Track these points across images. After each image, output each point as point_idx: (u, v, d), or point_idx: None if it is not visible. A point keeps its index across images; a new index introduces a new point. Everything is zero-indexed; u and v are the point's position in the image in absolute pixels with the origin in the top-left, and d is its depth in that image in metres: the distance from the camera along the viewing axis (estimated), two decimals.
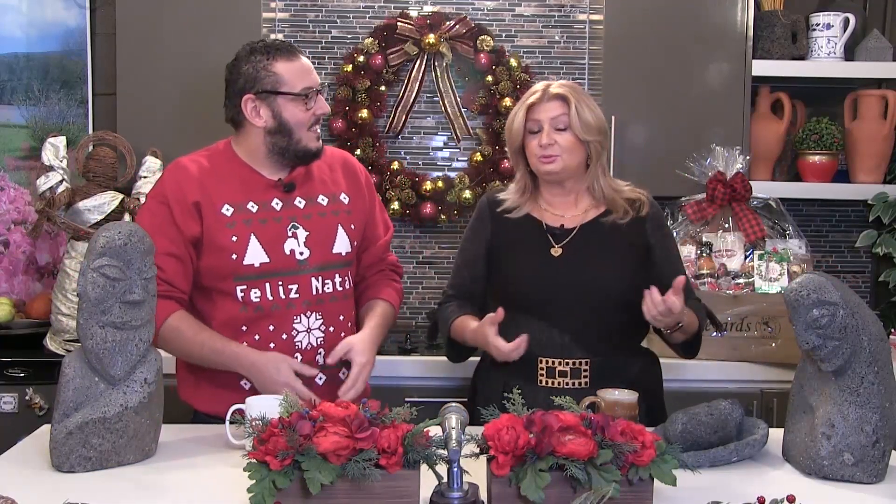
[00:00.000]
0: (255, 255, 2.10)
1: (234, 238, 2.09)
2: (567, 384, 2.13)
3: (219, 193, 2.11)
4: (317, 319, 2.15)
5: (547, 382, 2.14)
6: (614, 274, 2.15)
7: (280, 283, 2.12)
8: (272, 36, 3.24)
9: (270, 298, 2.11)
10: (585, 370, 2.13)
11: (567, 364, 2.14)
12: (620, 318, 2.16)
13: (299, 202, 2.16)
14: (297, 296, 2.13)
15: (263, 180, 2.15)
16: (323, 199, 2.20)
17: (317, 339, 2.14)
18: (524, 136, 2.18)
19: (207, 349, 2.07)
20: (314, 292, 2.14)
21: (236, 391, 2.09)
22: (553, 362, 2.14)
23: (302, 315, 2.13)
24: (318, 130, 2.16)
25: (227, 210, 2.10)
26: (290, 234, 2.13)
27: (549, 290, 2.15)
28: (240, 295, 2.10)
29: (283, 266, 2.12)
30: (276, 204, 2.14)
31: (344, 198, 2.23)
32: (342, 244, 2.20)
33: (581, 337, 2.13)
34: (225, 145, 2.19)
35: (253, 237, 2.10)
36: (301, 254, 2.13)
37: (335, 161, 2.28)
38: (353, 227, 2.23)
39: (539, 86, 2.19)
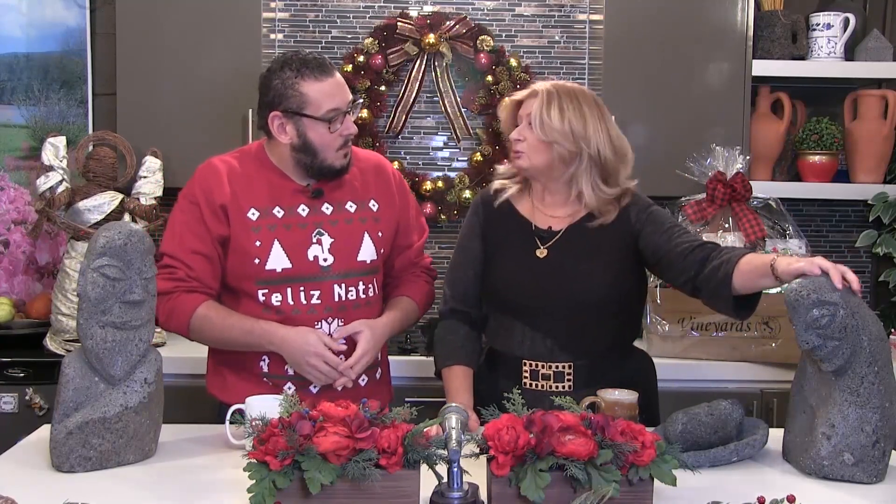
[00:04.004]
0: (278, 260, 2.10)
1: (258, 243, 2.10)
2: (551, 387, 2.10)
3: (246, 197, 2.12)
4: (339, 326, 2.14)
5: (531, 385, 2.12)
6: (598, 279, 2.11)
7: (302, 288, 2.12)
8: (272, 36, 3.24)
9: (291, 303, 2.12)
10: (569, 374, 2.11)
11: (550, 367, 2.11)
12: (606, 321, 2.13)
13: (326, 208, 2.17)
14: (319, 302, 2.13)
15: (291, 185, 2.15)
16: (351, 206, 2.19)
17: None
18: (511, 129, 2.18)
19: (237, 331, 2.09)
20: (336, 299, 2.14)
21: (259, 385, 2.13)
22: (536, 365, 2.12)
23: (323, 321, 2.13)
24: (349, 146, 2.15)
25: (253, 214, 2.11)
26: (314, 240, 2.13)
27: (532, 293, 2.12)
28: (261, 298, 2.12)
29: (306, 272, 2.12)
30: (303, 210, 2.15)
31: (373, 205, 2.22)
32: (367, 252, 2.19)
33: (564, 341, 2.11)
34: (258, 148, 2.20)
35: (276, 242, 2.11)
36: (325, 260, 2.13)
37: (368, 166, 2.26)
38: (380, 234, 2.22)
39: (536, 83, 2.18)
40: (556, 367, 2.11)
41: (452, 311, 2.24)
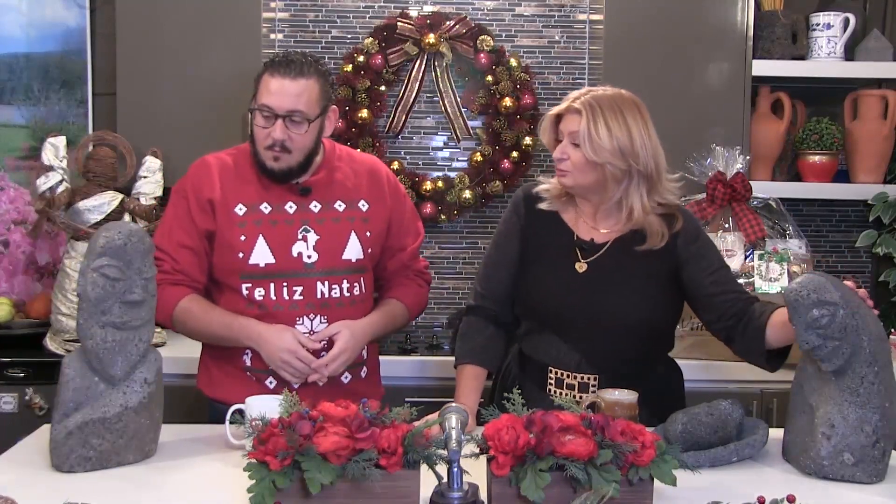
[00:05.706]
0: (261, 255, 2.12)
1: (243, 237, 2.12)
2: (575, 397, 2.07)
3: (235, 193, 2.14)
4: (321, 323, 2.15)
5: (556, 392, 2.11)
6: (634, 302, 2.08)
7: (285, 284, 2.13)
8: (272, 36, 3.24)
9: (274, 298, 2.13)
10: (594, 386, 2.09)
11: (575, 378, 2.10)
12: (637, 340, 2.10)
13: (314, 206, 2.18)
14: (302, 298, 2.14)
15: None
16: (340, 205, 2.20)
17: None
18: (554, 145, 2.12)
19: (217, 325, 2.12)
20: (319, 296, 2.15)
21: (242, 380, 2.15)
22: (562, 374, 2.12)
23: (305, 317, 2.14)
24: (278, 153, 2.09)
25: (240, 209, 2.14)
26: (300, 236, 2.15)
27: (566, 307, 2.10)
28: (244, 292, 2.13)
29: (289, 268, 2.13)
30: (290, 207, 2.16)
31: (363, 205, 2.23)
32: (353, 250, 2.19)
33: (592, 355, 2.09)
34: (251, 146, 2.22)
35: (261, 238, 2.12)
36: (309, 257, 2.15)
37: (362, 168, 2.27)
38: (368, 234, 2.22)
39: (572, 94, 2.11)
40: (581, 378, 2.10)
41: (480, 308, 2.21)
